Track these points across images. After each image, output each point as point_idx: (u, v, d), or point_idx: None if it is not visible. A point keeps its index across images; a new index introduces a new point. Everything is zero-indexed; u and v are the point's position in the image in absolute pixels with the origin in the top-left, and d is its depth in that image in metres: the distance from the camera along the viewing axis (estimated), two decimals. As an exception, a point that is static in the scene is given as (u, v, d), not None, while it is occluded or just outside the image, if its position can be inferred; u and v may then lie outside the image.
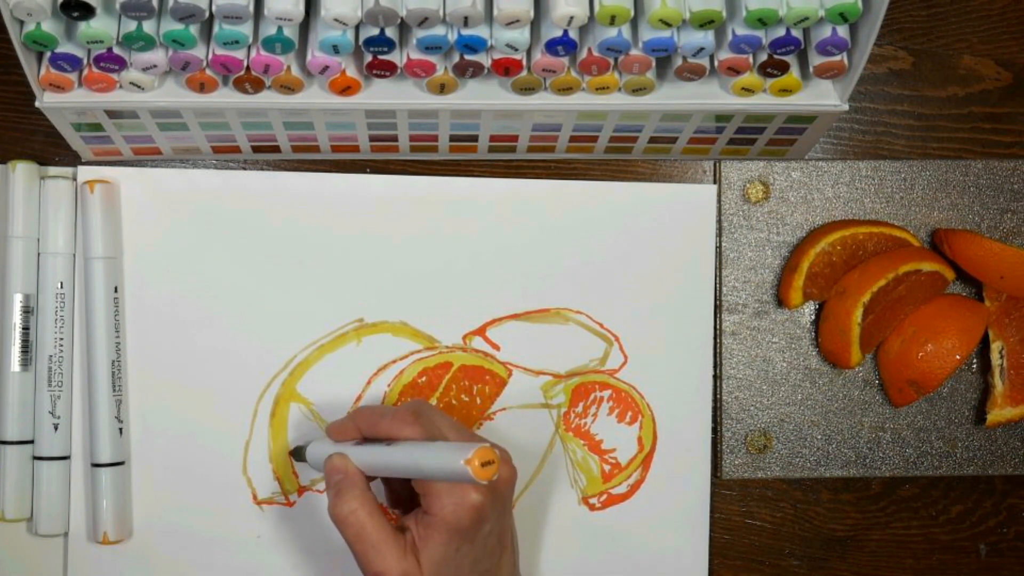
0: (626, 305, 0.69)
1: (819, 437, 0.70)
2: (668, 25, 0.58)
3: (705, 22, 0.58)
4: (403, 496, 0.63)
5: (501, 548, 0.60)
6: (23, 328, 0.65)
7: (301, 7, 0.56)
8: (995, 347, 0.69)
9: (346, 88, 0.61)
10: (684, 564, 0.69)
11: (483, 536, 0.58)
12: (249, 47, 0.59)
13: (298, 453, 0.66)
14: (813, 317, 0.70)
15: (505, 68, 0.60)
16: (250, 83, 0.61)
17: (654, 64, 0.62)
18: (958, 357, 0.66)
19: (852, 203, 0.70)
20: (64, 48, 0.58)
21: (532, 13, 0.57)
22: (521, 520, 0.68)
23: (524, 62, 0.60)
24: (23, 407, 0.65)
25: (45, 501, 0.65)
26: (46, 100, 0.61)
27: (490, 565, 0.59)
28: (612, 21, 0.58)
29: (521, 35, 0.58)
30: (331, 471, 0.60)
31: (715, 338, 0.70)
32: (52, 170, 0.66)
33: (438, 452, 0.55)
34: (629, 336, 0.69)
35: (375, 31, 0.58)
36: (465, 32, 0.58)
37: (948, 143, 0.72)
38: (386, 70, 0.60)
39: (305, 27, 0.60)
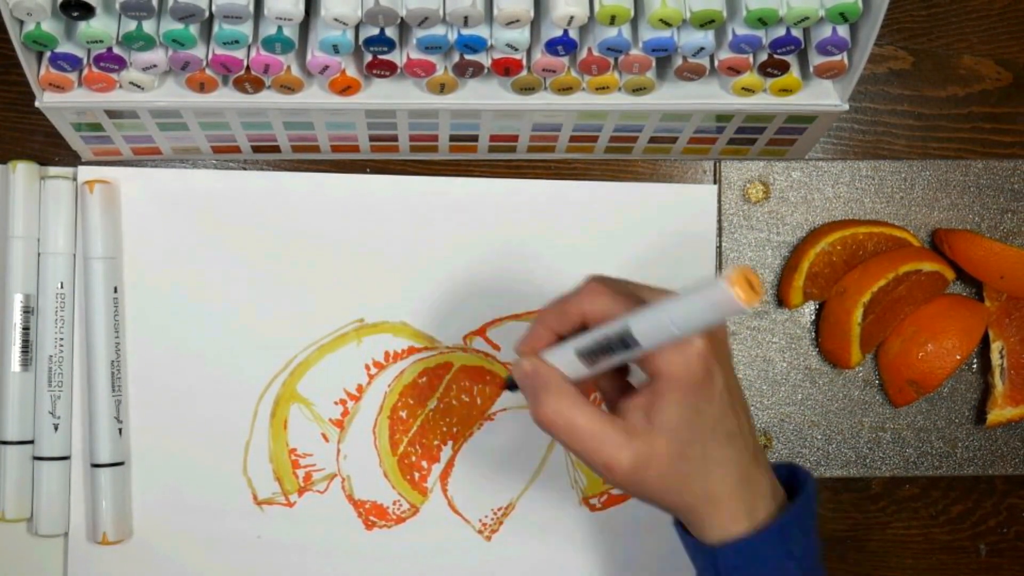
0: (626, 305, 0.69)
1: (819, 437, 0.70)
2: (668, 25, 0.58)
3: (705, 22, 0.58)
4: (614, 399, 0.56)
5: (737, 408, 0.54)
6: (23, 328, 0.65)
7: (301, 7, 0.56)
8: (995, 347, 0.69)
9: (346, 88, 0.61)
10: (684, 564, 0.69)
11: (718, 392, 0.52)
12: (249, 47, 0.59)
13: (511, 385, 0.57)
14: (813, 317, 0.70)
15: (505, 68, 0.60)
16: (250, 83, 0.61)
17: (654, 64, 0.62)
18: (958, 357, 0.66)
19: (852, 203, 0.70)
20: (64, 48, 0.58)
21: (532, 13, 0.57)
22: (521, 520, 0.68)
23: (524, 62, 0.60)
24: (23, 407, 0.65)
25: (45, 501, 0.65)
26: (46, 100, 0.61)
27: (732, 427, 0.53)
28: (612, 21, 0.58)
29: (521, 35, 0.58)
30: (521, 379, 0.53)
31: (715, 338, 0.69)
32: (52, 170, 0.66)
33: (675, 305, 0.48)
34: (629, 336, 0.69)
35: (375, 31, 0.58)
36: (465, 32, 0.58)
37: (948, 143, 0.72)
38: (386, 70, 0.60)
39: (305, 27, 0.60)
